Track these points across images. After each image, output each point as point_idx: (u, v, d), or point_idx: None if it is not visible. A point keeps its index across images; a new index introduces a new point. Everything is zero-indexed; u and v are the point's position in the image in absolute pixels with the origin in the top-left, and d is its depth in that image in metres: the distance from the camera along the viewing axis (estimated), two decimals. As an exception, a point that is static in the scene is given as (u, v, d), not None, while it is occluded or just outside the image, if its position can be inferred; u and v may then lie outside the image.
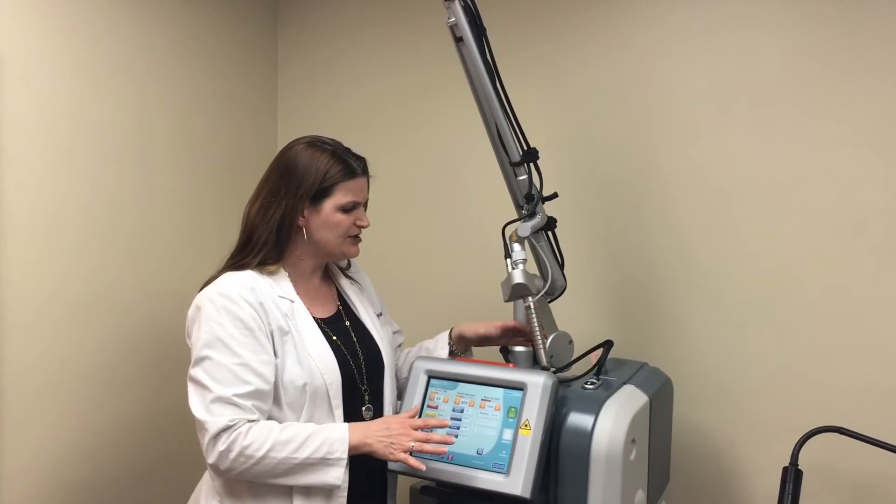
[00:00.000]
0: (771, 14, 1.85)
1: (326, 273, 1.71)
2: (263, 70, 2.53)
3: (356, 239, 1.61)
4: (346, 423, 1.47)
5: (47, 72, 1.85)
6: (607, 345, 1.69)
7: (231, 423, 1.40)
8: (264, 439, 1.40)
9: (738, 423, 1.92)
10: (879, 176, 1.75)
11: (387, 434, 1.44)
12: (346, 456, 1.42)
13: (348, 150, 1.61)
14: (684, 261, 1.97)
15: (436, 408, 1.54)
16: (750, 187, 1.88)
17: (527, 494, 1.39)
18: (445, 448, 1.44)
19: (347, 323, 1.64)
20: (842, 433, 1.57)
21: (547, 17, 2.11)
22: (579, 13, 2.07)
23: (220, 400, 1.41)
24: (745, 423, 1.91)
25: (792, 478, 1.56)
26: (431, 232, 2.33)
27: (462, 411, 1.52)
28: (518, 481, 1.40)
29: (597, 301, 2.08)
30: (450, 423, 1.51)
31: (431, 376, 1.58)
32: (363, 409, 1.58)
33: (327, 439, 1.43)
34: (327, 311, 1.64)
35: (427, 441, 1.43)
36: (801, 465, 1.57)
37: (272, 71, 2.56)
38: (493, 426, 1.48)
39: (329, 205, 1.55)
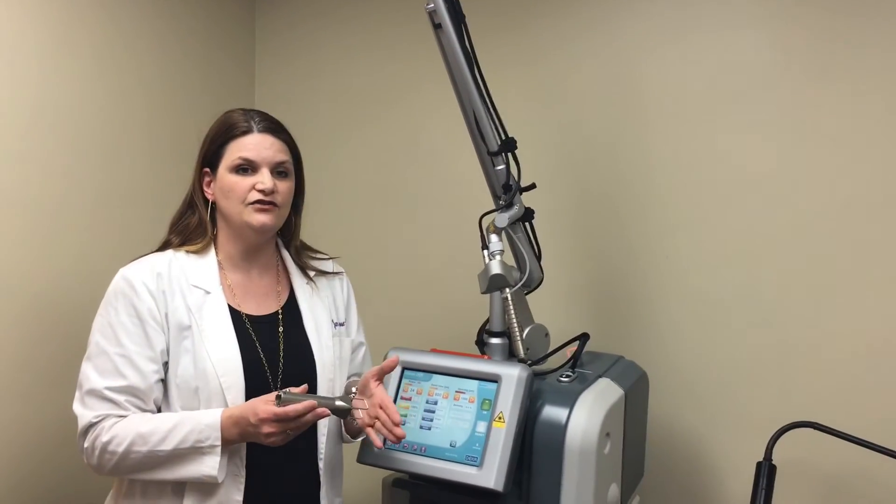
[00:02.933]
0: (753, 10, 1.84)
1: (280, 267, 1.56)
2: (240, 54, 2.48)
3: (261, 206, 1.41)
4: (219, 409, 1.34)
5: (14, 54, 1.79)
6: (583, 338, 1.68)
7: (96, 420, 1.32)
8: (125, 434, 1.30)
9: (713, 418, 1.92)
10: (858, 172, 1.75)
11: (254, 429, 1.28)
12: (219, 443, 1.30)
13: (255, 111, 1.47)
14: (661, 255, 1.96)
15: (409, 399, 1.52)
16: (728, 183, 1.88)
17: (499, 487, 1.38)
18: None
19: (281, 328, 1.48)
20: (816, 428, 1.57)
21: (527, 7, 2.09)
22: (560, 4, 2.05)
23: (93, 393, 1.34)
24: (720, 418, 1.91)
25: (766, 473, 1.56)
26: (408, 223, 2.30)
27: (436, 403, 1.50)
28: (491, 474, 1.38)
29: (573, 294, 2.06)
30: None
31: (405, 368, 1.56)
32: None
33: (195, 426, 1.31)
34: (262, 309, 1.48)
35: (298, 428, 1.29)
36: (775, 460, 1.57)
37: (249, 57, 2.52)
38: (466, 418, 1.46)
39: (222, 168, 1.43)
